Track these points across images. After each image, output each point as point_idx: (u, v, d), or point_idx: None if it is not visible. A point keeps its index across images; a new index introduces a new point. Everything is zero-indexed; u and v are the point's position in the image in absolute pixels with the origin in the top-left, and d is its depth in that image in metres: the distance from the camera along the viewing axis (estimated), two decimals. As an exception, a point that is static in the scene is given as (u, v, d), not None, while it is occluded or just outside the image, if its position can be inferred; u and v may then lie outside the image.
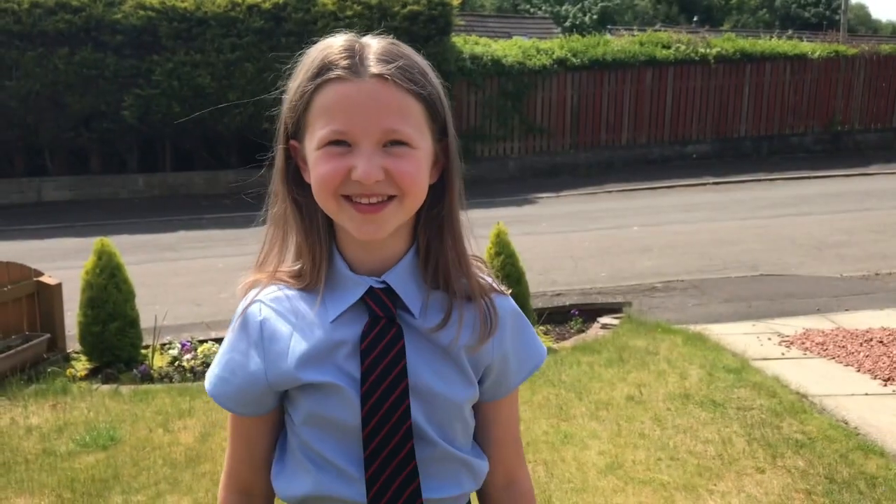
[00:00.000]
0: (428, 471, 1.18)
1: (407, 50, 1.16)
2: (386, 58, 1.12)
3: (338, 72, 1.11)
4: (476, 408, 1.27)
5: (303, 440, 1.19)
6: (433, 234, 1.20)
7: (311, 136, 1.15)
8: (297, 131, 1.18)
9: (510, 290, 1.31)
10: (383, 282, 1.18)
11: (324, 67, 1.13)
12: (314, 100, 1.13)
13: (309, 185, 1.17)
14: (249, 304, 1.23)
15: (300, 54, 1.21)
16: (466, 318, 1.19)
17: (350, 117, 1.10)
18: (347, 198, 1.12)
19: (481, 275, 1.26)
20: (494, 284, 1.27)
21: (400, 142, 1.11)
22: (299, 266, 1.22)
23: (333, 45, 1.16)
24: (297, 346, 1.17)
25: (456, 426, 1.22)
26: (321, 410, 1.16)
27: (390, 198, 1.12)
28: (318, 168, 1.13)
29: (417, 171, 1.13)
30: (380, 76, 1.10)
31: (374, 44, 1.15)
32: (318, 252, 1.19)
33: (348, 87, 1.11)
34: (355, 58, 1.12)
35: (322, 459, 1.18)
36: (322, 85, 1.12)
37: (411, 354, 1.16)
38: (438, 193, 1.20)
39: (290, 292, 1.21)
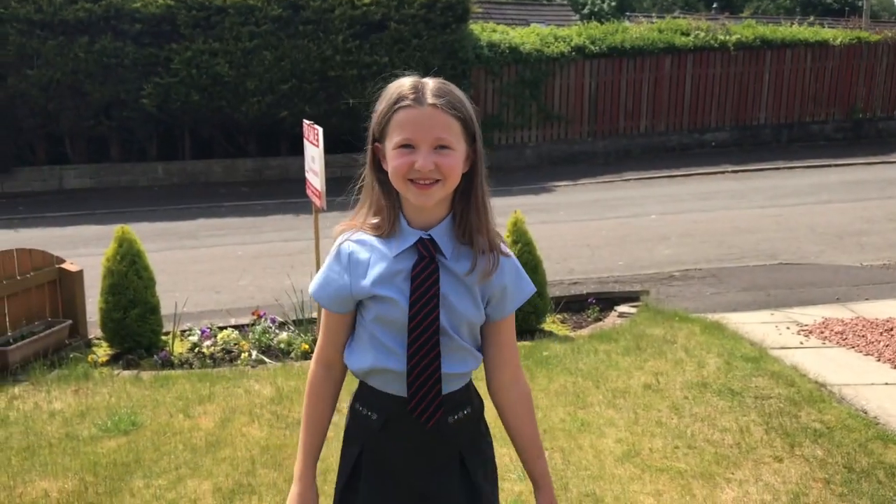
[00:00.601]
0: (447, 355, 1.82)
1: (451, 87, 1.79)
2: (438, 93, 1.75)
3: (408, 101, 1.75)
4: (484, 330, 1.91)
5: (370, 332, 1.84)
6: (464, 206, 1.83)
7: (389, 141, 1.77)
8: (380, 137, 1.81)
9: (512, 255, 1.94)
10: (429, 235, 1.82)
11: (399, 98, 1.75)
12: (392, 118, 1.76)
13: (386, 171, 1.80)
14: (342, 242, 1.88)
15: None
16: (480, 264, 1.82)
17: (415, 130, 1.74)
18: (411, 180, 1.75)
19: (498, 241, 1.88)
20: (503, 248, 1.88)
21: (445, 146, 1.75)
22: (377, 220, 1.85)
23: (405, 83, 1.77)
24: (372, 271, 1.82)
25: (465, 329, 1.86)
26: (384, 313, 1.81)
27: (437, 181, 1.75)
28: (394, 161, 1.76)
29: (455, 164, 1.77)
30: (434, 105, 1.74)
31: (430, 83, 1.77)
32: (391, 212, 1.83)
33: (414, 112, 1.74)
34: (419, 93, 1.75)
35: (381, 344, 1.83)
36: (398, 109, 1.75)
37: (443, 283, 1.80)
38: (469, 179, 1.83)
39: (369, 237, 1.85)
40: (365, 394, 1.89)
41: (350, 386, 1.98)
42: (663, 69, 16.34)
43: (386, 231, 1.83)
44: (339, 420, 2.03)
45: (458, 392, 1.87)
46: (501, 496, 3.65)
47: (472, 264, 1.81)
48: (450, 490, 1.87)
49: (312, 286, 1.91)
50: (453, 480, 1.87)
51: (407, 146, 1.74)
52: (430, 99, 1.74)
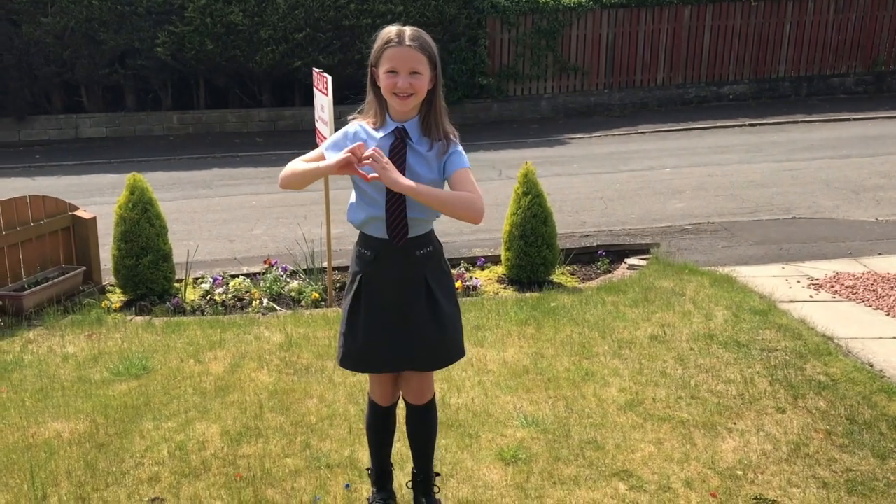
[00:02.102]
0: (411, 205, 2.70)
1: (422, 33, 2.67)
2: (413, 38, 2.63)
3: (393, 43, 2.62)
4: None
5: (362, 190, 2.75)
6: (427, 110, 2.74)
7: (381, 68, 2.65)
8: (375, 64, 2.67)
9: (458, 142, 2.81)
10: (403, 126, 2.72)
11: (387, 41, 2.63)
12: (384, 54, 2.63)
13: (379, 87, 2.69)
14: (350, 125, 2.81)
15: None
16: (435, 147, 2.73)
17: (398, 62, 2.61)
18: (394, 94, 2.64)
19: (450, 133, 2.77)
20: (453, 139, 2.76)
21: (416, 72, 2.63)
22: (372, 117, 2.77)
23: (392, 30, 2.64)
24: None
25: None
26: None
27: (411, 94, 2.64)
28: (384, 82, 2.65)
29: (423, 85, 2.66)
30: (410, 46, 2.61)
31: (408, 31, 2.64)
32: (381, 111, 2.74)
33: (397, 50, 2.61)
34: (401, 37, 2.62)
35: (370, 198, 2.73)
36: (387, 48, 2.63)
37: (409, 156, 2.71)
38: (432, 93, 2.72)
39: (368, 126, 2.78)
40: (363, 240, 2.84)
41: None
42: (682, 20, 16.07)
43: (378, 123, 2.76)
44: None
45: (422, 235, 2.81)
46: (503, 441, 3.73)
47: (429, 146, 2.73)
48: (418, 298, 2.80)
49: (324, 144, 2.83)
50: (421, 293, 2.81)
51: (392, 72, 2.63)
52: (407, 42, 2.63)
